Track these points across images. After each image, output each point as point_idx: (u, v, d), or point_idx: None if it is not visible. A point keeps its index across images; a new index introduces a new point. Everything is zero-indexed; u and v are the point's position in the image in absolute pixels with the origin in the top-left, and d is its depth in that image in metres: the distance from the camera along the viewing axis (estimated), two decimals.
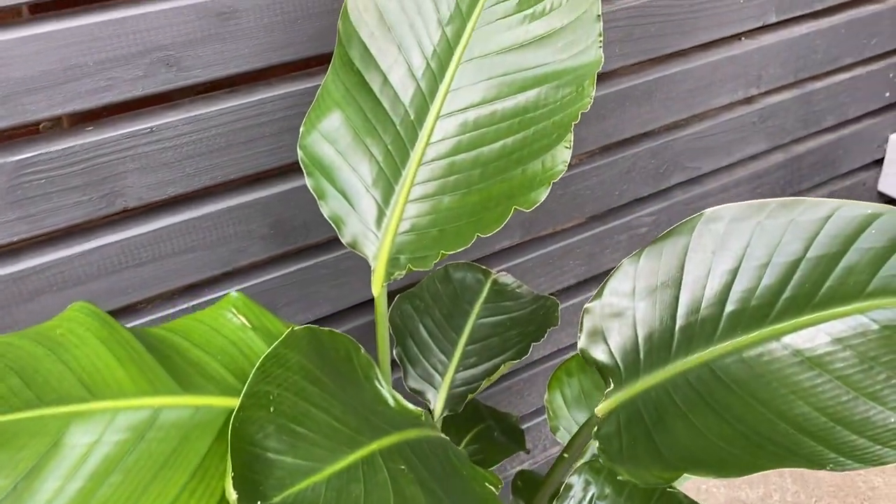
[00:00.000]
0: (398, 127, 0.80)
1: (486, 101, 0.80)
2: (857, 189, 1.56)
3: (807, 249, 0.65)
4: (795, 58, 1.32)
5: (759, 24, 1.25)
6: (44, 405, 0.55)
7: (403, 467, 0.61)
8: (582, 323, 0.69)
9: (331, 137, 0.79)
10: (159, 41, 0.81)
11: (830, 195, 1.52)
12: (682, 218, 1.34)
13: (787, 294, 0.64)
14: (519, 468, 1.36)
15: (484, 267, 1.04)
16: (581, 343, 0.69)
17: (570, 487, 0.77)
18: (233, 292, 0.70)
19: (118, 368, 0.59)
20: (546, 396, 0.92)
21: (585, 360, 0.69)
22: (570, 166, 1.16)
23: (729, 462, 0.58)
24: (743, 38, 1.26)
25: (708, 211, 0.68)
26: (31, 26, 0.76)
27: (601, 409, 0.68)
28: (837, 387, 0.60)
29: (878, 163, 1.56)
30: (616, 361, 0.68)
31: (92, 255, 0.86)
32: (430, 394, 0.92)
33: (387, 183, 0.79)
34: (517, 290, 1.02)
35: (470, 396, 0.90)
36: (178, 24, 0.81)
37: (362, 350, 0.72)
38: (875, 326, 0.61)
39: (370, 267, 0.78)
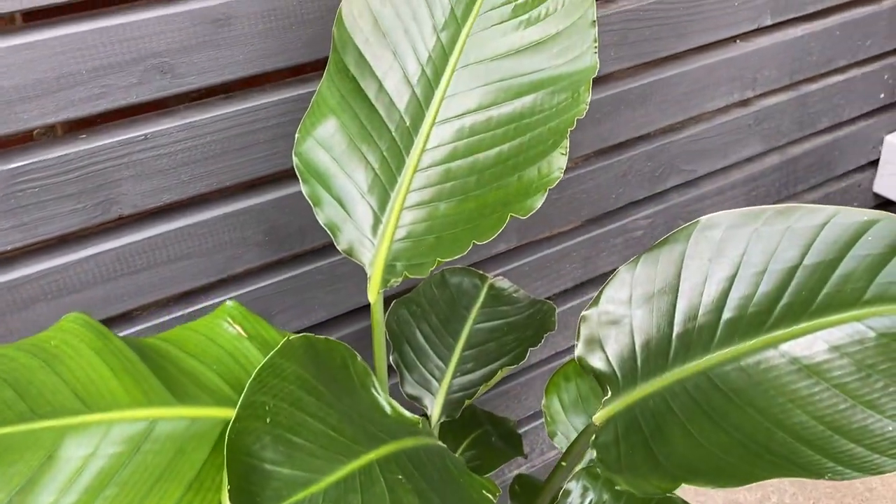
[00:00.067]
0: (394, 133, 0.79)
1: (482, 107, 0.80)
2: (853, 190, 1.56)
3: (803, 256, 0.65)
4: (790, 60, 1.32)
5: (754, 27, 1.25)
6: (38, 418, 0.55)
7: (401, 477, 0.61)
8: (579, 331, 0.69)
9: (326, 144, 0.79)
10: (153, 48, 0.81)
11: (826, 197, 1.52)
12: (679, 221, 1.35)
13: (784, 301, 0.64)
14: (517, 472, 1.35)
15: (480, 272, 1.03)
16: (578, 351, 0.69)
17: (567, 493, 0.77)
18: (228, 302, 0.70)
19: (113, 380, 0.59)
20: (543, 401, 0.92)
21: (583, 368, 0.69)
22: (566, 170, 1.16)
23: (726, 472, 0.58)
24: (738, 41, 1.26)
25: (704, 218, 0.68)
26: (24, 34, 0.76)
27: (599, 417, 0.68)
28: (835, 395, 0.59)
29: (874, 164, 1.56)
30: (613, 369, 0.68)
31: (87, 262, 0.86)
32: (427, 399, 0.92)
33: (383, 190, 0.79)
34: (514, 295, 1.02)
35: (467, 402, 0.90)
36: (172, 31, 0.81)
37: (358, 357, 0.71)
38: (872, 334, 0.61)
39: (366, 273, 0.78)
